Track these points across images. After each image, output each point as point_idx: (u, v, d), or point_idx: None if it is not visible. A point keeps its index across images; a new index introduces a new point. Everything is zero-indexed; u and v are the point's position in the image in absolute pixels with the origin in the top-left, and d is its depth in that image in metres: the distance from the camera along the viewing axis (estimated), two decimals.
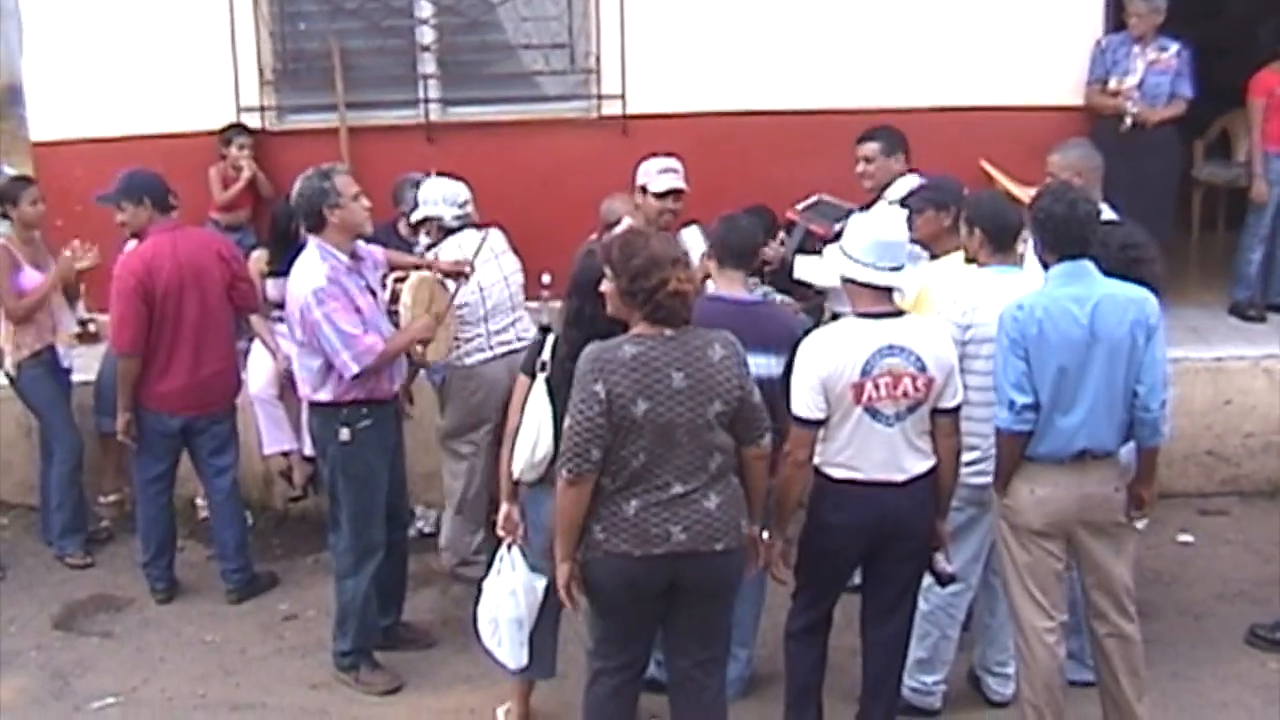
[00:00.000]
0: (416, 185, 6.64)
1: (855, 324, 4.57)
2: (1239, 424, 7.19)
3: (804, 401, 4.54)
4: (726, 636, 4.60)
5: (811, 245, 6.21)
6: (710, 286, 5.14)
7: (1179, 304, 7.21)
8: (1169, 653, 5.62)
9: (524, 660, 5.02)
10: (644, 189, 6.19)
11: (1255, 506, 7.11)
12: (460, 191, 6.28)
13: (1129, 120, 7.25)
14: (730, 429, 4.29)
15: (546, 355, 4.76)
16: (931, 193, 5.52)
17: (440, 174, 6.44)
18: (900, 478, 4.59)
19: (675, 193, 6.18)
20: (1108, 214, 5.59)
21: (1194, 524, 6.94)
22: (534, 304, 6.54)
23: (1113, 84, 7.40)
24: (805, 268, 6.08)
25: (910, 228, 5.28)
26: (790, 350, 4.84)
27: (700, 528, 4.26)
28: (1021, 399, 4.50)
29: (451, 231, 6.22)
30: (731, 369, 4.25)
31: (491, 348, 6.19)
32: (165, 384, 6.18)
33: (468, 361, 6.16)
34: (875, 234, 4.56)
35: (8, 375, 6.80)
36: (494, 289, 6.17)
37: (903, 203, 5.52)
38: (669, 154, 6.28)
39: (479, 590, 5.11)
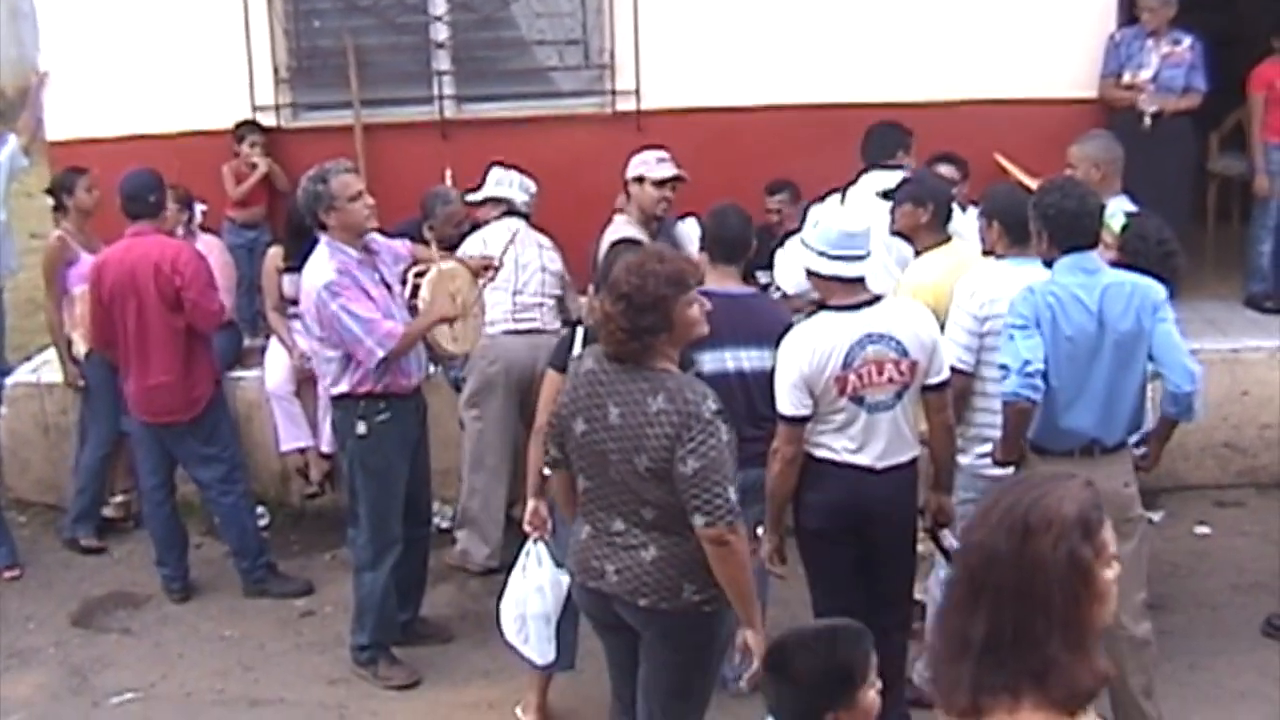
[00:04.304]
0: (447, 201, 6.73)
1: (833, 317, 4.56)
2: (1256, 415, 7.17)
3: (788, 399, 4.53)
4: (690, 694, 4.21)
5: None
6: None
7: (1195, 296, 7.21)
8: (1186, 644, 5.62)
9: (551, 656, 5.01)
10: (640, 179, 6.24)
11: (1272, 498, 7.09)
12: (532, 184, 6.63)
13: (1148, 120, 7.23)
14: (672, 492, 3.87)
15: (578, 349, 4.70)
16: (913, 187, 5.44)
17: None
18: (878, 464, 4.58)
19: (674, 180, 6.24)
20: (1129, 206, 5.60)
21: (1210, 516, 6.93)
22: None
23: (1127, 78, 7.37)
24: (781, 273, 6.10)
25: (892, 219, 5.32)
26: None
27: (630, 575, 3.99)
28: (1035, 364, 4.44)
29: (478, 226, 6.52)
30: (665, 427, 3.82)
31: (515, 320, 6.30)
32: (126, 386, 6.24)
33: (490, 330, 6.19)
34: (839, 225, 4.57)
35: (77, 361, 6.82)
36: (530, 268, 6.37)
37: (887, 194, 5.51)
38: (670, 148, 6.36)
39: (503, 585, 5.09)
